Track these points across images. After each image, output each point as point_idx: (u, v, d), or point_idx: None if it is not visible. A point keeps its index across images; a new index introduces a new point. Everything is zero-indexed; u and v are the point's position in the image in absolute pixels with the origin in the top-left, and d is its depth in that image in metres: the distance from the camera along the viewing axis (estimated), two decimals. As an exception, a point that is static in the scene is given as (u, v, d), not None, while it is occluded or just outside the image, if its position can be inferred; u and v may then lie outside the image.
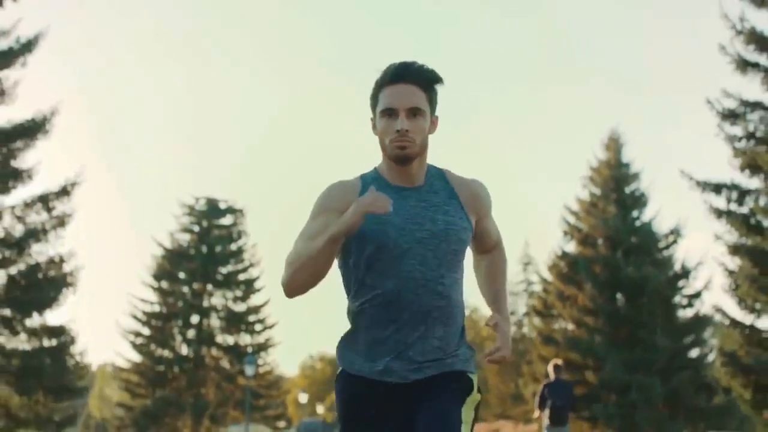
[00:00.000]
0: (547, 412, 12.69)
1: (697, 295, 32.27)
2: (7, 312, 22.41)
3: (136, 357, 38.07)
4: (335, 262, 2.92)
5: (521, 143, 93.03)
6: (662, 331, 31.14)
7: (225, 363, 38.91)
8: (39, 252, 22.74)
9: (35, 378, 22.32)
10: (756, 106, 21.62)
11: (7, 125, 22.36)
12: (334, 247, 2.72)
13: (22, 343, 22.94)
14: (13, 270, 22.56)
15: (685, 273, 32.77)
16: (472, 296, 61.87)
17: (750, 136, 21.38)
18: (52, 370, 22.71)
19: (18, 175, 22.46)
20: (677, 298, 33.07)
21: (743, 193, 21.71)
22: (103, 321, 75.26)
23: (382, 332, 2.84)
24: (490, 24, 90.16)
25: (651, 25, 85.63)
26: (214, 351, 38.80)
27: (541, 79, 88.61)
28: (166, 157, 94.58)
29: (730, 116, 21.63)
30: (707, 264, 27.29)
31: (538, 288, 35.18)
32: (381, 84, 2.89)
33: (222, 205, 39.80)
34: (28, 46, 22.62)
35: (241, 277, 39.34)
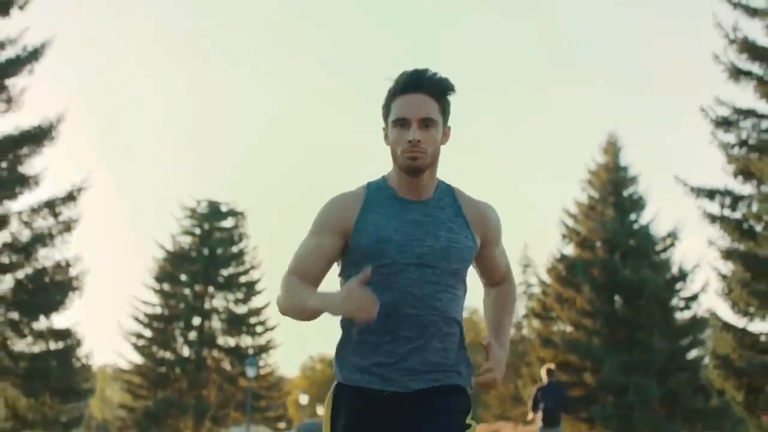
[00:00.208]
0: (540, 414, 13.36)
1: (695, 297, 32.91)
2: (14, 315, 23.10)
3: (138, 358, 38.77)
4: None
5: (521, 143, 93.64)
6: (659, 333, 31.74)
7: (226, 364, 39.59)
8: (45, 256, 23.44)
9: (42, 380, 23.00)
10: (749, 113, 22.30)
11: (14, 132, 23.02)
12: (317, 315, 2.79)
13: (29, 345, 23.65)
14: (21, 274, 23.22)
15: (683, 276, 33.41)
16: (472, 297, 62.32)
17: (743, 143, 22.07)
18: (59, 372, 23.40)
19: (25, 181, 23.12)
20: (674, 301, 33.71)
21: (736, 199, 22.40)
22: (104, 322, 75.94)
23: (378, 344, 2.84)
24: (490, 24, 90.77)
25: (651, 25, 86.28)
26: (215, 353, 39.45)
27: (541, 79, 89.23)
28: (166, 158, 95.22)
29: (724, 123, 22.32)
30: (704, 267, 27.94)
31: (537, 290, 35.79)
32: (393, 93, 2.89)
33: (223, 208, 40.48)
34: (34, 55, 23.28)
35: (243, 279, 40.03)
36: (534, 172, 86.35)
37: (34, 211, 23.27)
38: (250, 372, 33.83)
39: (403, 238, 2.84)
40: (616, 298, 33.42)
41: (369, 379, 2.85)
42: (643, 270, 32.35)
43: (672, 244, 33.99)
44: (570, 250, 35.16)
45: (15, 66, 23.08)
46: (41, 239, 23.27)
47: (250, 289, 40.06)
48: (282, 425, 43.98)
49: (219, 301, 39.71)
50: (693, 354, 32.68)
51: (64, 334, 23.90)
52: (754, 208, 21.87)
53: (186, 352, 38.97)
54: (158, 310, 38.90)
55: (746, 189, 22.40)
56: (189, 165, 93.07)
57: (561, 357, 33.93)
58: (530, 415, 13.73)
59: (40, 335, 23.45)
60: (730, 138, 22.28)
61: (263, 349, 39.70)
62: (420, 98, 2.83)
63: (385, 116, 2.91)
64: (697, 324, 32.07)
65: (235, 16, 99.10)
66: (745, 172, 22.02)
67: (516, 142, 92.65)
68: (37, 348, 23.72)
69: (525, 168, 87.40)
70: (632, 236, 33.60)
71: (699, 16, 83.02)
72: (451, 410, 2.86)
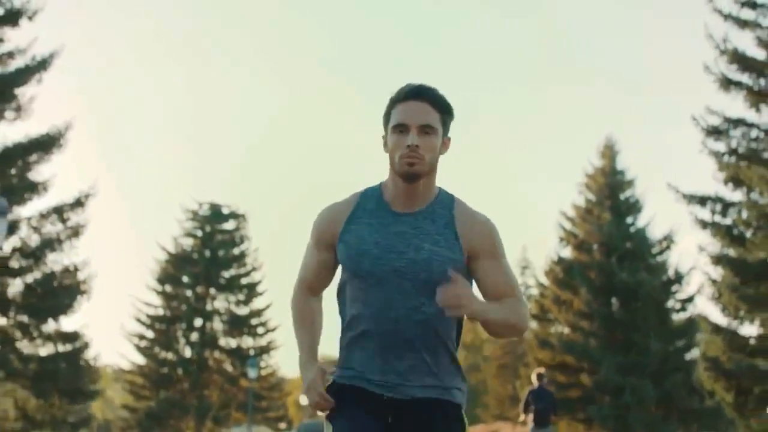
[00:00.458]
0: (531, 415, 14.39)
1: (690, 299, 33.81)
2: (24, 318, 24.05)
3: (140, 359, 39.62)
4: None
5: (521, 143, 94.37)
6: (655, 334, 32.60)
7: (228, 365, 40.48)
8: (54, 261, 24.39)
9: (51, 381, 23.95)
10: (739, 122, 23.25)
11: (23, 140, 23.94)
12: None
13: (38, 348, 24.63)
14: (30, 278, 24.18)
15: (678, 278, 34.34)
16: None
17: (733, 151, 23.01)
18: (67, 373, 24.36)
19: (34, 188, 24.04)
20: (670, 303, 34.64)
21: (727, 206, 23.34)
22: (105, 323, 76.72)
23: (371, 361, 2.90)
24: (490, 24, 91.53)
25: (651, 25, 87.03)
26: (217, 354, 40.34)
27: (541, 79, 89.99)
28: (166, 158, 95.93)
29: (714, 132, 23.27)
30: (699, 269, 28.84)
31: (535, 292, 36.70)
32: (395, 101, 2.90)
33: (225, 210, 41.39)
34: (43, 64, 24.20)
35: (244, 281, 40.94)
36: (534, 172, 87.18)
37: (43, 216, 24.20)
38: (252, 373, 34.71)
39: (381, 251, 2.85)
40: (613, 300, 34.29)
41: (360, 381, 2.92)
42: (640, 273, 33.24)
43: (668, 247, 34.90)
44: (567, 252, 36.06)
45: (24, 75, 24.00)
46: (50, 244, 24.21)
47: (252, 290, 40.96)
48: (282, 425, 44.84)
49: (220, 302, 40.63)
50: (688, 356, 33.52)
51: (72, 337, 24.87)
52: (744, 215, 22.82)
53: (188, 353, 39.81)
54: (160, 312, 39.77)
55: (736, 196, 23.35)
56: (189, 165, 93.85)
57: (558, 358, 34.84)
58: (522, 417, 14.78)
59: (48, 338, 24.41)
60: (721, 146, 23.23)
61: (264, 350, 40.57)
62: (421, 106, 2.86)
63: (386, 124, 2.93)
64: (692, 326, 32.87)
65: (235, 16, 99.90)
66: (735, 180, 22.97)
67: (516, 142, 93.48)
68: (46, 350, 24.71)
69: (525, 168, 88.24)
70: (629, 239, 34.49)
71: (699, 16, 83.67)
72: (441, 420, 2.90)
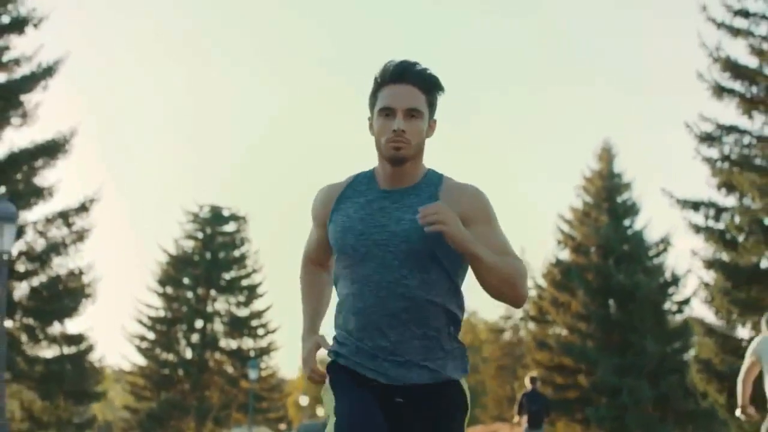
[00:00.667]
0: (525, 417, 15.17)
1: (686, 301, 34.51)
2: (30, 321, 24.76)
3: (142, 361, 40.47)
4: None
5: (521, 143, 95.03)
6: (652, 336, 33.25)
7: (228, 367, 41.27)
8: (59, 265, 25.07)
9: (56, 383, 24.66)
10: (731, 129, 23.95)
11: (29, 145, 24.62)
12: None
13: (44, 350, 25.37)
14: (36, 282, 24.87)
15: (675, 280, 35.05)
16: (471, 299, 63.52)
17: (725, 158, 23.72)
18: (72, 375, 25.08)
19: (39, 193, 24.74)
20: (667, 305, 35.36)
21: (719, 211, 24.05)
22: (106, 325, 77.38)
23: (360, 338, 2.89)
24: (490, 24, 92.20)
25: (651, 25, 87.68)
26: (217, 355, 41.15)
27: (541, 79, 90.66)
28: (165, 159, 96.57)
29: (707, 139, 23.97)
30: (694, 272, 29.57)
31: (533, 294, 37.39)
32: (380, 83, 2.92)
33: (225, 213, 42.15)
34: (49, 71, 24.87)
35: (244, 282, 41.77)
36: (534, 172, 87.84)
37: (49, 221, 24.88)
38: (252, 374, 35.44)
39: (365, 226, 2.89)
40: (610, 302, 34.99)
41: (354, 365, 2.92)
42: (637, 275, 33.94)
43: (665, 250, 35.60)
44: (565, 255, 36.76)
45: (30, 82, 24.65)
46: (55, 248, 24.90)
47: (252, 292, 41.77)
48: (282, 426, 45.58)
49: (221, 304, 41.46)
50: (684, 357, 34.17)
51: (77, 339, 25.59)
52: (736, 220, 23.50)
53: (188, 354, 40.63)
54: (161, 313, 40.58)
55: (729, 201, 24.05)
56: (189, 165, 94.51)
57: (556, 359, 35.55)
58: (516, 418, 15.56)
59: (54, 340, 25.11)
60: (714, 153, 23.94)
61: (264, 351, 41.33)
62: (407, 89, 2.87)
63: (372, 106, 2.95)
64: (688, 328, 33.49)
65: (235, 16, 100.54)
66: (728, 185, 23.66)
67: (516, 142, 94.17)
68: (52, 352, 25.43)
69: (525, 168, 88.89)
70: (626, 242, 35.19)
71: (699, 17, 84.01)
72: (442, 407, 2.90)
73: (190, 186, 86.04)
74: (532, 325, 40.17)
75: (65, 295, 24.97)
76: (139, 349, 40.18)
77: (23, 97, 24.67)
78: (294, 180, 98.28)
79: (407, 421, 2.88)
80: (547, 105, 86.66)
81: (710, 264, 23.83)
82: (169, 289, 40.89)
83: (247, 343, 41.50)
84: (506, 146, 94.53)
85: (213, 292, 41.17)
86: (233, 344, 41.33)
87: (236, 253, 41.84)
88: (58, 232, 25.01)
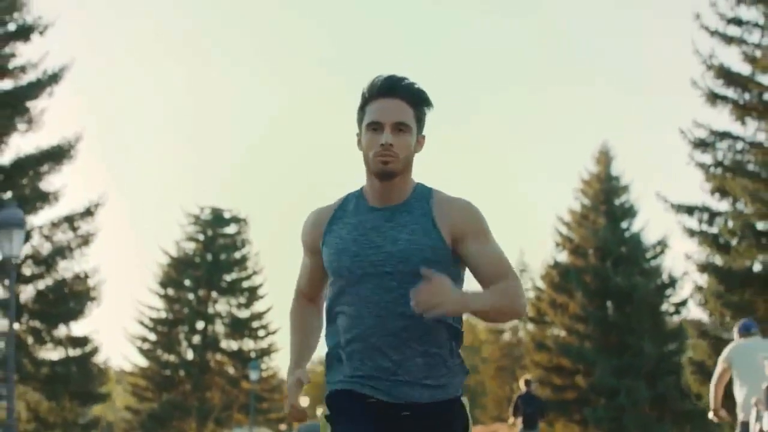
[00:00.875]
0: (520, 418, 15.98)
1: (683, 303, 35.26)
2: (36, 323, 25.50)
3: (143, 362, 41.14)
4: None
5: (521, 143, 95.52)
6: (649, 337, 33.98)
7: (229, 368, 41.99)
8: (65, 268, 25.76)
9: (62, 384, 25.39)
10: (725, 135, 24.68)
11: (35, 151, 25.33)
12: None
13: (50, 352, 26.13)
14: (42, 285, 25.59)
15: (672, 282, 35.80)
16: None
17: (718, 164, 24.45)
18: (78, 377, 25.82)
19: (45, 198, 25.45)
20: (664, 306, 36.15)
21: (713, 215, 24.78)
22: (107, 326, 77.86)
23: (360, 359, 2.89)
24: (490, 24, 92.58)
25: (651, 25, 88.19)
26: (218, 356, 41.87)
27: (541, 79, 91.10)
28: (165, 159, 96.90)
29: (701, 145, 24.69)
30: (690, 275, 30.28)
31: (532, 295, 38.10)
32: (368, 97, 2.92)
33: (226, 215, 42.82)
34: (54, 78, 25.55)
35: (245, 284, 42.48)
36: (534, 172, 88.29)
37: (54, 225, 25.59)
38: (254, 375, 36.15)
39: (359, 247, 2.88)
40: (608, 303, 35.77)
41: (356, 386, 2.91)
42: (634, 277, 34.70)
43: (662, 252, 36.34)
44: (563, 257, 37.46)
45: (36, 89, 25.36)
46: (61, 252, 25.62)
47: (253, 293, 42.47)
48: (283, 427, 46.21)
49: (222, 305, 42.16)
50: (681, 358, 34.83)
51: (82, 342, 26.32)
52: (729, 224, 24.22)
53: (190, 355, 41.32)
54: (163, 315, 41.26)
55: (722, 206, 24.78)
56: (189, 166, 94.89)
57: (555, 360, 36.28)
58: (511, 420, 16.35)
59: (60, 342, 25.84)
60: (707, 158, 24.66)
61: (265, 352, 42.01)
62: (395, 103, 2.87)
63: (359, 121, 2.95)
64: (684, 329, 34.16)
65: (235, 16, 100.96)
66: (721, 190, 24.39)
67: (516, 142, 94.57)
68: (57, 354, 26.17)
69: (525, 168, 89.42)
70: (623, 244, 35.93)
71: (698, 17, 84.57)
72: (443, 426, 2.92)
73: (190, 187, 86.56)
74: (530, 327, 40.87)
75: (71, 298, 25.69)
76: (141, 350, 40.82)
77: (29, 104, 25.36)
78: (294, 181, 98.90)
79: None
80: (547, 105, 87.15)
81: (704, 267, 24.56)
82: (170, 291, 41.53)
83: (248, 344, 42.17)
84: (506, 146, 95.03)
85: (214, 294, 41.81)
86: (234, 345, 42.02)
87: (237, 255, 42.48)
88: (63, 236, 25.72)
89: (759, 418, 7.97)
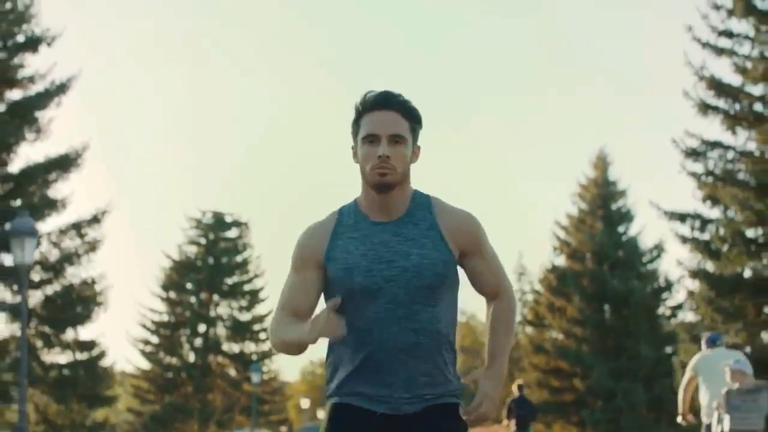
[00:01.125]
0: (513, 421, 17.10)
1: (679, 306, 36.11)
2: (45, 328, 26.51)
3: (146, 364, 42.04)
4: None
5: (521, 143, 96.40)
6: (646, 340, 34.92)
7: (231, 370, 42.93)
8: (73, 274, 26.79)
9: (70, 387, 26.40)
10: (715, 145, 25.69)
11: (43, 160, 26.32)
12: (302, 348, 2.90)
13: (58, 356, 27.13)
14: (50, 290, 26.59)
15: (668, 286, 36.75)
16: (470, 302, 65.03)
17: (710, 173, 25.46)
18: (85, 380, 26.84)
19: (53, 205, 26.46)
20: (661, 310, 37.11)
21: (704, 222, 25.79)
22: (109, 329, 78.78)
23: (362, 370, 2.91)
24: (490, 24, 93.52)
25: (651, 25, 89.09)
26: (220, 359, 42.79)
27: (541, 79, 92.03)
28: (166, 161, 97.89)
29: (693, 154, 25.69)
30: (682, 280, 31.26)
31: (530, 298, 39.10)
32: (362, 110, 2.95)
33: (228, 219, 43.72)
34: (62, 88, 26.53)
35: (246, 287, 43.39)
36: (534, 172, 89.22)
37: (62, 232, 26.59)
38: (255, 377, 37.12)
39: (370, 262, 2.89)
40: (605, 307, 36.70)
41: (359, 400, 2.93)
42: (631, 280, 35.65)
43: (658, 256, 37.29)
44: (561, 261, 38.39)
45: (44, 99, 26.34)
46: (69, 258, 26.63)
47: (254, 297, 43.42)
48: (284, 428, 47.21)
49: (223, 308, 43.06)
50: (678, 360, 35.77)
51: (89, 346, 27.35)
52: (720, 231, 25.22)
53: (192, 358, 42.21)
54: (165, 318, 42.19)
55: (714, 213, 25.80)
56: (189, 167, 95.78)
57: (552, 363, 37.20)
58: (505, 422, 17.46)
59: (67, 346, 26.86)
60: (699, 167, 25.66)
61: (266, 355, 42.80)
62: (390, 115, 2.90)
63: (354, 134, 2.99)
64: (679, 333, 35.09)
65: (235, 16, 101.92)
66: (712, 198, 25.40)
67: (516, 142, 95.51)
68: (65, 358, 27.17)
69: (524, 168, 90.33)
70: (620, 248, 36.88)
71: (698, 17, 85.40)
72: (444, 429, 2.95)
73: (191, 189, 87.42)
74: (529, 330, 41.78)
75: (78, 303, 26.66)
76: (143, 353, 41.67)
77: (37, 114, 26.33)
78: (294, 181, 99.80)
79: None
80: (547, 105, 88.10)
81: (695, 273, 25.57)
82: (172, 294, 42.39)
83: (250, 346, 43.08)
84: (506, 146, 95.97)
85: (216, 297, 42.68)
86: (236, 348, 42.91)
87: (238, 258, 43.37)
88: (71, 242, 26.71)
89: (720, 421, 9.00)
